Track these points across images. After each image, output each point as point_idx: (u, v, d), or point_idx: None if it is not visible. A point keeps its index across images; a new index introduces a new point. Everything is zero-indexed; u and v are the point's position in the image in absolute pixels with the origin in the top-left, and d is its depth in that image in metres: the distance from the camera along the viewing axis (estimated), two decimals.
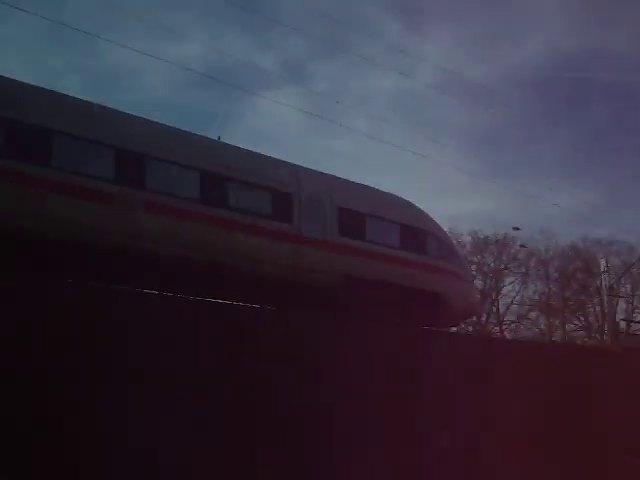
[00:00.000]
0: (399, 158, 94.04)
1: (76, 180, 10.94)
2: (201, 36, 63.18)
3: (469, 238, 46.53)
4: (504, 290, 48.92)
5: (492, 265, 48.80)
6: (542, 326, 48.51)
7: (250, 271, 12.40)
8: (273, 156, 14.46)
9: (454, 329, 19.42)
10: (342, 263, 13.82)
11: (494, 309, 48.14)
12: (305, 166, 14.88)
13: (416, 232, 15.82)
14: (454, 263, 16.81)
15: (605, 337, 43.32)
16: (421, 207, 16.70)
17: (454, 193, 70.21)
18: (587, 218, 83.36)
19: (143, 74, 72.52)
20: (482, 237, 46.90)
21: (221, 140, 14.40)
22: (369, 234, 14.61)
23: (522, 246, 45.53)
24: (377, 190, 16.37)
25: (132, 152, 11.67)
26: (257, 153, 14.26)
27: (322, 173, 15.19)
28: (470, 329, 38.16)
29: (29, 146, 10.67)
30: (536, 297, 48.83)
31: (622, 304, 45.04)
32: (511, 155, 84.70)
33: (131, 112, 12.60)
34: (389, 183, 71.72)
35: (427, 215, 16.89)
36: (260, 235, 12.82)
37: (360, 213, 14.62)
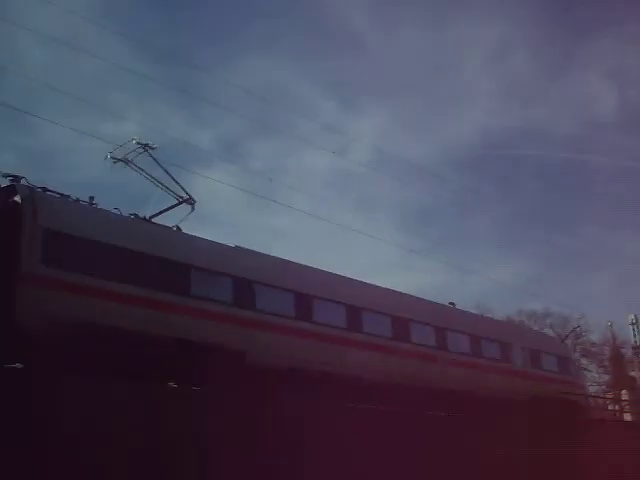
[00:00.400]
0: (337, 235, 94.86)
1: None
2: (137, 115, 62.69)
3: None
4: None
5: None
6: None
7: None
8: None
9: None
10: None
11: None
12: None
13: None
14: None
15: None
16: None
17: (391, 268, 71.32)
18: (522, 291, 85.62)
19: (78, 153, 71.26)
20: None
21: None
22: None
23: None
24: None
25: None
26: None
27: None
28: None
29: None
30: None
31: None
32: (446, 230, 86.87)
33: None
34: (329, 261, 72.50)
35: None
36: None
37: None
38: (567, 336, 47.34)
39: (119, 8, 60.57)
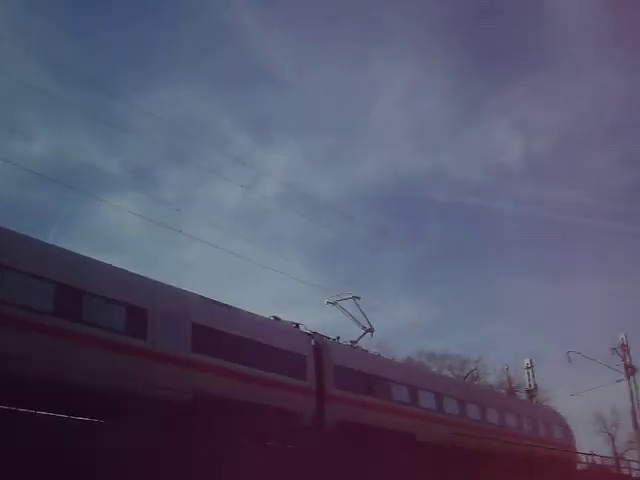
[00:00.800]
0: (245, 269, 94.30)
1: None
2: (45, 137, 60.06)
3: None
4: None
5: None
6: None
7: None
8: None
9: None
10: None
11: None
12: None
13: None
14: None
15: None
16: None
17: (299, 304, 71.50)
18: (424, 332, 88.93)
19: None
20: None
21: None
22: None
23: None
24: None
25: None
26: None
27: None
28: None
29: None
30: None
31: None
32: (352, 268, 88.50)
33: None
34: (236, 295, 72.14)
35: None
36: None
37: None
38: (465, 377, 48.41)
39: (37, 29, 58.04)
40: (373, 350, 32.59)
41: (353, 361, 20.82)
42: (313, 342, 19.59)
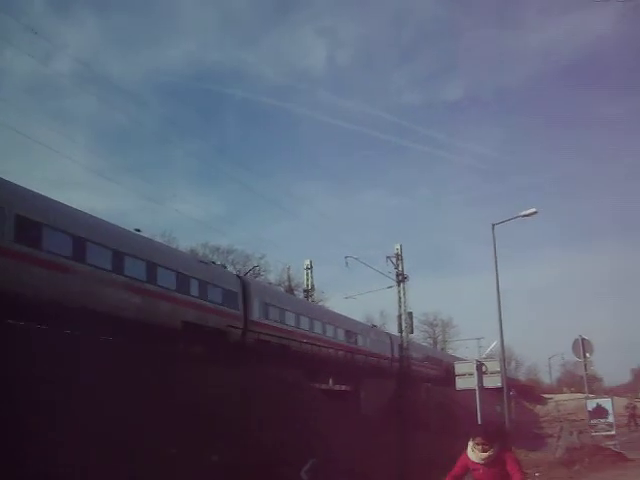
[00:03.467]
0: (22, 144, 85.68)
1: None
2: None
3: None
4: None
5: None
6: None
7: None
8: None
9: None
10: None
11: None
12: None
13: None
14: None
15: None
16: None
17: (76, 188, 66.08)
18: (209, 227, 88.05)
19: None
20: None
21: None
22: None
23: None
24: None
25: None
26: None
27: None
28: None
29: None
30: None
31: None
32: (139, 158, 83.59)
33: None
34: (8, 168, 64.17)
35: None
36: None
37: None
38: (247, 273, 47.93)
39: None
40: (158, 240, 31.55)
41: (272, 297, 29.27)
42: (240, 282, 26.57)
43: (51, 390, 10.78)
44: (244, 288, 26.00)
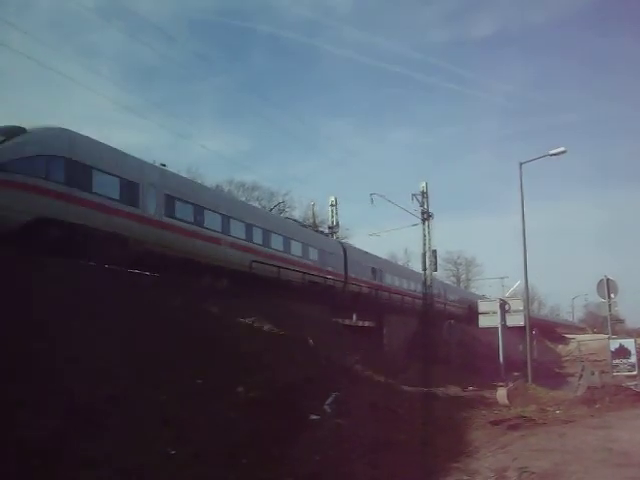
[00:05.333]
0: (48, 79, 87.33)
1: None
2: None
3: None
4: None
5: None
6: None
7: None
8: None
9: None
10: None
11: None
12: None
13: None
14: None
15: None
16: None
17: (106, 123, 65.60)
18: (234, 163, 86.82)
19: None
20: None
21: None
22: None
23: None
24: None
25: None
26: None
27: None
28: None
29: None
30: None
31: None
32: (167, 93, 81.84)
33: None
34: (35, 103, 63.60)
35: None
36: None
37: None
38: (272, 209, 48.11)
39: None
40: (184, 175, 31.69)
41: (359, 257, 35.85)
42: (342, 248, 34.27)
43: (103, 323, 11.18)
44: (345, 253, 33.85)
